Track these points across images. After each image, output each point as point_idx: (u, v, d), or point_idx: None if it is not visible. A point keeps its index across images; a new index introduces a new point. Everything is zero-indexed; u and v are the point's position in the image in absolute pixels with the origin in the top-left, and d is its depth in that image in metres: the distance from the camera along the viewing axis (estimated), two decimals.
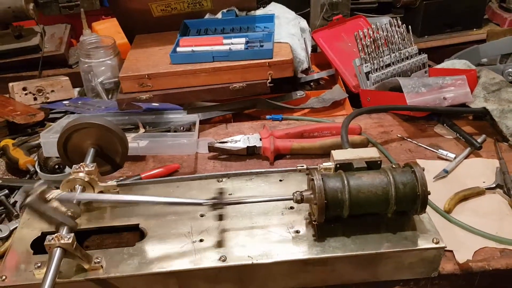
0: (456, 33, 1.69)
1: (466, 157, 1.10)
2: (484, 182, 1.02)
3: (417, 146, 1.16)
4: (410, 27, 1.38)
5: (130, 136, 1.09)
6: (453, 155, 1.10)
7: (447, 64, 1.39)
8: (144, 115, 1.25)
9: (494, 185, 1.01)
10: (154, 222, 0.86)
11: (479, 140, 1.14)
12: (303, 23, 1.52)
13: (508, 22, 1.69)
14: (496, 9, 1.76)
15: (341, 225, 0.82)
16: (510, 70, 1.30)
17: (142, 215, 0.87)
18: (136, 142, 1.09)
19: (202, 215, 0.87)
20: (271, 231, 0.83)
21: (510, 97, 1.18)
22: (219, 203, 0.86)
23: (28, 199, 0.69)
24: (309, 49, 1.47)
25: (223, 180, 0.96)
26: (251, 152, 1.14)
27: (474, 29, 1.70)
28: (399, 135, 1.20)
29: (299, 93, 1.37)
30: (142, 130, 1.21)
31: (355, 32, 1.32)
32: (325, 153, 1.11)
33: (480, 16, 1.71)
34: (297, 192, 0.80)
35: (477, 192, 0.99)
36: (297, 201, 0.79)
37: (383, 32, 1.34)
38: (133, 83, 1.27)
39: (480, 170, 1.06)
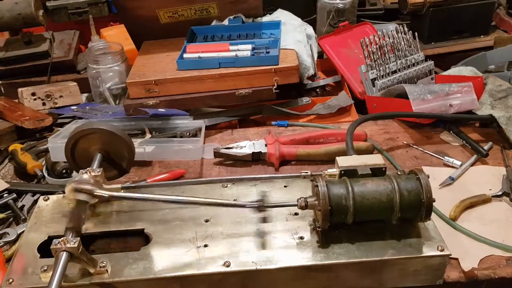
0: (463, 39, 1.68)
1: (473, 164, 1.10)
2: (490, 189, 1.02)
3: (423, 153, 1.15)
4: (416, 33, 1.38)
5: (136, 142, 1.10)
6: (459, 162, 1.09)
7: (453, 71, 1.39)
8: (150, 120, 1.26)
9: (500, 193, 1.00)
10: (159, 227, 0.86)
11: (486, 147, 1.13)
12: (309, 29, 1.53)
13: None
14: (503, 16, 1.75)
15: (346, 231, 0.82)
16: None
17: (147, 220, 0.88)
18: (142, 148, 1.10)
19: (206, 221, 0.87)
20: (275, 237, 0.83)
21: None
22: (262, 206, 0.85)
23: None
24: (315, 56, 1.48)
25: (228, 185, 0.96)
26: (256, 158, 1.14)
27: (482, 36, 1.69)
28: (405, 142, 1.20)
29: (305, 99, 1.37)
30: (148, 135, 1.22)
31: (361, 39, 1.32)
32: (330, 160, 1.11)
33: (487, 22, 1.71)
34: (302, 198, 0.80)
35: (483, 200, 0.99)
36: (302, 207, 0.80)
37: (389, 38, 1.34)
38: (140, 89, 1.28)
39: (487, 177, 1.06)
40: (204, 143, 1.17)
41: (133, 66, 1.37)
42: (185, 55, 1.32)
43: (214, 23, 1.48)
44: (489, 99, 1.20)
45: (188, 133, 1.22)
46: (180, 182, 0.94)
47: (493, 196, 0.99)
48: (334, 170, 0.86)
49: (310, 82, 1.44)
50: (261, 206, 0.85)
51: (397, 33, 1.35)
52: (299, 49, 1.35)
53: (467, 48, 1.65)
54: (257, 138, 1.19)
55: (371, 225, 0.83)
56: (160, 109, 1.27)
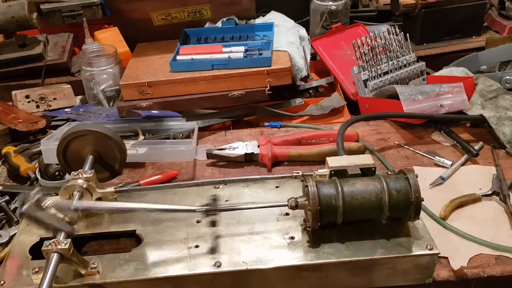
0: (455, 40, 1.69)
1: (463, 164, 1.11)
2: (480, 189, 1.03)
3: (414, 153, 1.16)
4: (408, 34, 1.39)
5: (129, 143, 1.10)
6: (449, 162, 1.10)
7: (445, 71, 1.40)
8: (143, 122, 1.26)
9: (490, 192, 1.01)
10: (151, 228, 0.87)
11: (476, 147, 1.14)
12: (302, 31, 1.54)
13: (507, 30, 1.69)
14: (495, 17, 1.76)
15: (336, 231, 0.83)
16: (507, 77, 1.31)
17: (139, 221, 0.88)
18: (135, 149, 1.10)
19: (198, 221, 0.88)
20: (266, 237, 0.84)
21: (507, 104, 1.19)
22: (211, 210, 0.87)
23: (24, 207, 0.70)
24: (308, 57, 1.49)
25: (220, 186, 0.97)
26: (249, 159, 1.15)
27: (473, 37, 1.70)
28: (396, 142, 1.20)
29: (298, 101, 1.37)
30: (141, 137, 1.22)
31: (353, 40, 1.33)
32: (322, 160, 1.11)
33: (479, 23, 1.72)
34: (292, 199, 0.80)
35: (473, 199, 0.99)
36: (292, 208, 0.80)
37: (381, 40, 1.35)
38: (133, 91, 1.29)
39: (477, 177, 1.07)
40: (197, 145, 1.18)
41: (126, 68, 1.37)
42: (178, 57, 1.33)
43: (207, 25, 1.48)
44: (480, 99, 1.21)
45: (181, 135, 1.23)
46: (173, 185, 0.94)
47: (483, 196, 1.00)
48: (324, 171, 0.86)
49: (303, 83, 1.44)
50: (208, 210, 0.85)
51: (389, 34, 1.36)
52: (292, 50, 1.36)
53: (459, 49, 1.66)
54: (250, 139, 1.19)
55: (361, 224, 0.83)
56: (153, 111, 1.27)
